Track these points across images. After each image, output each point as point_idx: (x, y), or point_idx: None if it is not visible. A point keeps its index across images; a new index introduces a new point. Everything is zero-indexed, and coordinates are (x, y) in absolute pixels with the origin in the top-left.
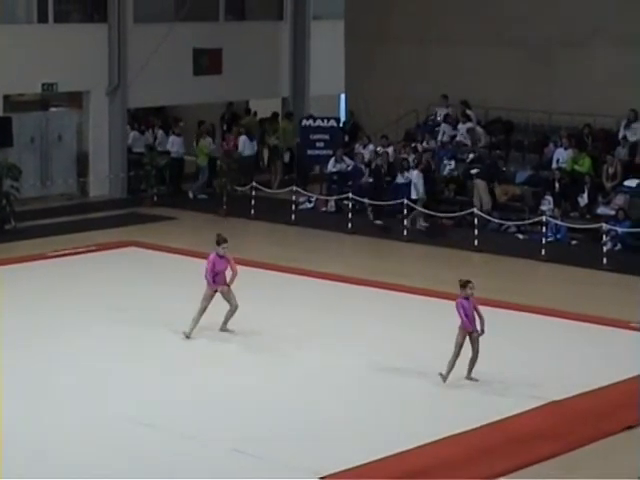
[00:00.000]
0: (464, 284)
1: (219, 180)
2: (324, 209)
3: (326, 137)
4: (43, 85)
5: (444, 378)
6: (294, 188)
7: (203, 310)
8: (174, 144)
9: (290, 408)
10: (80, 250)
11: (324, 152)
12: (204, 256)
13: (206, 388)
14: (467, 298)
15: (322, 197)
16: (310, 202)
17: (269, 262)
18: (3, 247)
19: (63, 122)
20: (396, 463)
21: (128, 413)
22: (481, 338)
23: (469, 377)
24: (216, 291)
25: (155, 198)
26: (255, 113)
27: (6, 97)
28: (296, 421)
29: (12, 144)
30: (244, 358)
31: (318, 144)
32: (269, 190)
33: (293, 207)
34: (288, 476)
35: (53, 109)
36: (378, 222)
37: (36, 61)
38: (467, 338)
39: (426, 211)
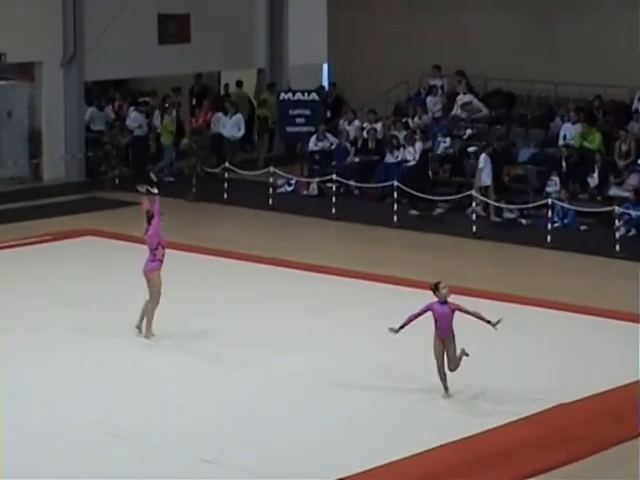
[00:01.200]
0: (435, 286)
1: (188, 160)
2: (305, 192)
3: (307, 112)
4: None
5: (446, 390)
6: (272, 169)
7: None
8: (135, 120)
9: (271, 414)
10: (32, 240)
11: (305, 129)
12: (170, 246)
13: (172, 395)
14: (444, 302)
15: (303, 179)
16: (290, 185)
17: (244, 252)
18: None
19: (13, 97)
20: (396, 470)
21: (77, 422)
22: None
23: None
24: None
25: (116, 181)
26: (241, 84)
27: None
28: (284, 430)
29: None
30: (219, 360)
31: (298, 120)
32: (244, 172)
33: (271, 190)
34: None
35: (1, 82)
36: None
37: None
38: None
39: (493, 203)
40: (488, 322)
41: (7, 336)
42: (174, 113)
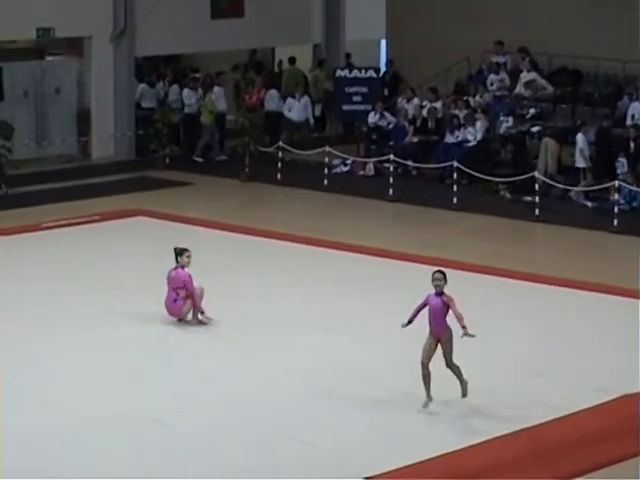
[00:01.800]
0: (431, 276)
1: (241, 139)
2: (361, 173)
3: (364, 90)
4: (38, 30)
5: (428, 397)
6: (327, 149)
7: None
8: (187, 98)
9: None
10: (80, 220)
11: (362, 107)
12: (222, 227)
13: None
14: (440, 294)
15: (359, 159)
16: (345, 165)
17: (298, 234)
18: None
19: (61, 73)
20: (442, 465)
21: (129, 408)
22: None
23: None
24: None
25: (167, 160)
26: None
27: None
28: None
29: (2, 98)
30: (264, 343)
31: (355, 98)
32: (299, 151)
33: (326, 171)
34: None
35: (49, 58)
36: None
37: (30, 3)
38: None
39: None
40: (463, 328)
41: (47, 316)
42: (217, 88)
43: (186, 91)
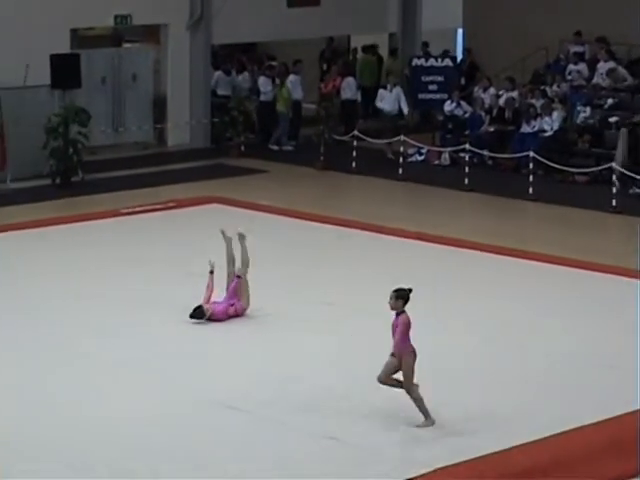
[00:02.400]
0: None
1: (316, 128)
2: (437, 162)
3: (440, 79)
4: (116, 17)
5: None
6: (402, 138)
7: None
8: (263, 85)
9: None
10: (156, 207)
11: (437, 96)
12: (296, 215)
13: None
14: (398, 313)
15: (435, 148)
16: (421, 154)
17: (372, 223)
18: (69, 202)
19: (138, 60)
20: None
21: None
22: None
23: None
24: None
25: (242, 148)
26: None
27: (74, 31)
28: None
29: (80, 85)
30: (344, 333)
31: (430, 87)
32: (374, 140)
33: (401, 160)
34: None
35: (127, 45)
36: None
37: None
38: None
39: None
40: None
41: (119, 299)
42: (292, 76)
43: (262, 79)
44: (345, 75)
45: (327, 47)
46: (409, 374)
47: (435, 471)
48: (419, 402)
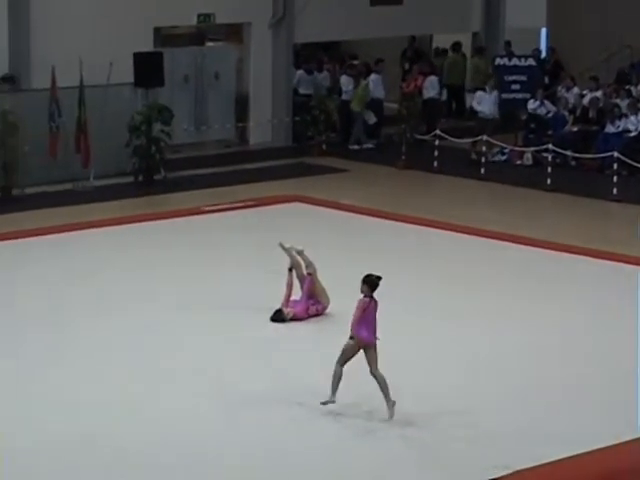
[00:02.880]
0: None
1: (398, 127)
2: (519, 162)
3: (523, 78)
4: (199, 16)
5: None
6: (484, 137)
7: None
8: (346, 85)
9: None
10: (237, 205)
11: (520, 95)
12: (378, 214)
13: None
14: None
15: (517, 148)
16: (503, 154)
17: (454, 223)
18: (152, 200)
19: (221, 59)
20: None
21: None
22: None
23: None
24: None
25: (324, 147)
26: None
27: (157, 30)
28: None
29: (163, 83)
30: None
31: (513, 86)
32: (457, 140)
33: (483, 159)
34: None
35: (210, 44)
36: None
37: None
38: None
39: None
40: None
41: (201, 299)
42: (373, 76)
43: (344, 78)
44: (427, 74)
45: (409, 46)
46: (346, 352)
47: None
48: (335, 379)
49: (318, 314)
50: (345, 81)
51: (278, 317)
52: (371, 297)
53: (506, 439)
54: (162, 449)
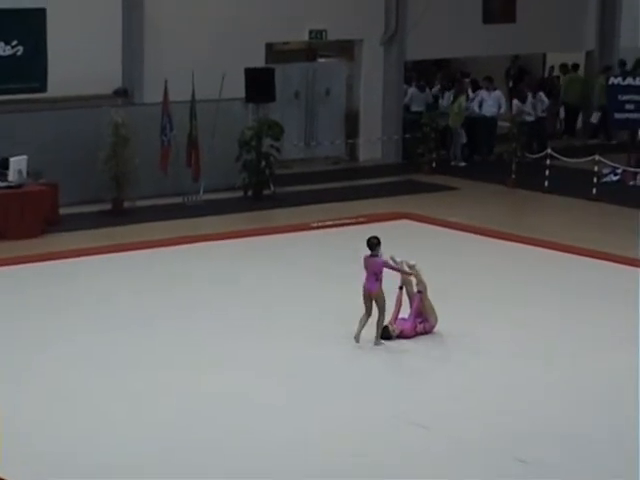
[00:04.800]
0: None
1: (508, 145)
2: (632, 183)
3: (637, 98)
4: (310, 32)
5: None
6: (597, 157)
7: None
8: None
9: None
10: (346, 221)
11: (634, 116)
12: (487, 233)
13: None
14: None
15: (630, 169)
16: (616, 174)
17: (565, 243)
18: (261, 215)
19: (332, 75)
20: None
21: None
22: None
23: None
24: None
25: (434, 164)
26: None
27: (269, 45)
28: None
29: (274, 99)
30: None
31: (628, 106)
32: (567, 159)
33: (595, 179)
34: None
35: (321, 60)
36: None
37: (303, 4)
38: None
39: None
40: None
41: (309, 312)
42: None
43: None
44: (536, 91)
45: (512, 64)
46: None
47: None
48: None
49: (426, 332)
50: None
51: (384, 334)
52: (370, 255)
53: None
54: None
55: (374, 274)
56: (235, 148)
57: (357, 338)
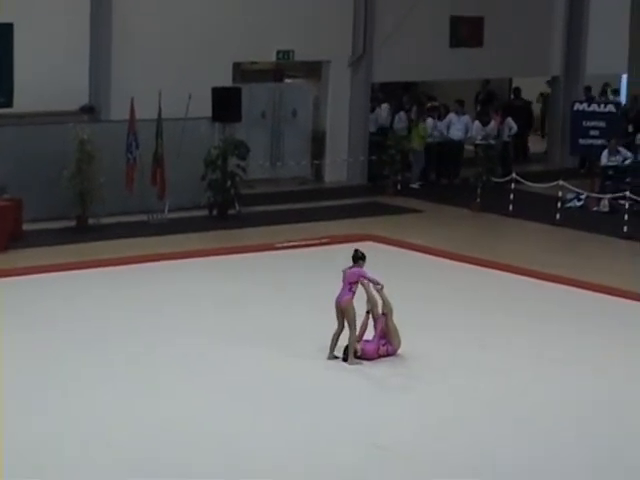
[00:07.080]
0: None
1: (475, 169)
2: (595, 208)
3: (602, 124)
4: (278, 52)
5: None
6: (560, 182)
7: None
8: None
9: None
10: (311, 242)
11: (598, 142)
12: (450, 256)
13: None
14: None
15: (594, 195)
16: (579, 200)
17: (526, 267)
18: (225, 234)
19: (299, 95)
20: None
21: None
22: None
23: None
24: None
25: (398, 187)
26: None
27: (237, 65)
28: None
29: (240, 119)
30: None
31: (592, 132)
32: (531, 184)
33: (559, 205)
34: None
35: (288, 80)
36: None
37: (271, 25)
38: None
39: None
40: None
41: (273, 336)
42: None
43: (428, 120)
44: (505, 116)
45: (482, 89)
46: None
47: None
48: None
49: (388, 354)
50: (428, 123)
51: (344, 354)
52: (349, 267)
53: None
54: None
55: (349, 284)
56: (201, 167)
57: (330, 356)
